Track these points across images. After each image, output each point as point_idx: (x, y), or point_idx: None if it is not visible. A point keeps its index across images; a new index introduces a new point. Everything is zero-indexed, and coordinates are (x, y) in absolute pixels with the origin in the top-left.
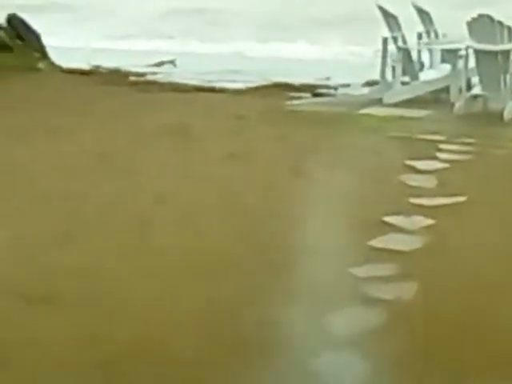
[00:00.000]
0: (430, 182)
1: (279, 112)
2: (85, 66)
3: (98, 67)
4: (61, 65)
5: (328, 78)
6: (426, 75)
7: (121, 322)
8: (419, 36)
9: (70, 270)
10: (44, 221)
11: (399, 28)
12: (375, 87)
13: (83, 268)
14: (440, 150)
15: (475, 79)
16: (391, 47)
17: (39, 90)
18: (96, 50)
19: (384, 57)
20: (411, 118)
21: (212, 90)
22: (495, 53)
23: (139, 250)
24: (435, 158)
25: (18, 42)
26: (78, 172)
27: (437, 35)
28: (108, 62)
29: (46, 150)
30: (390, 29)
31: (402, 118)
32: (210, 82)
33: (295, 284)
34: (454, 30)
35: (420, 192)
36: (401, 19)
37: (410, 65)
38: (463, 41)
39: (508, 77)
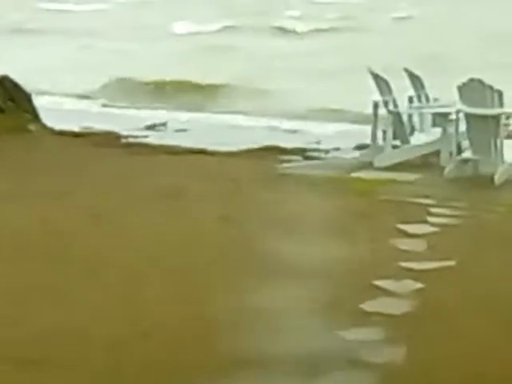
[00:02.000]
0: (420, 246)
1: (271, 175)
2: (76, 128)
3: (89, 129)
4: (52, 126)
5: (318, 142)
6: (416, 139)
7: None
8: (410, 100)
9: (59, 332)
10: (35, 280)
11: (390, 92)
12: (366, 151)
13: (72, 329)
14: (430, 214)
15: (466, 143)
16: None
17: (31, 152)
18: (87, 112)
19: (375, 120)
20: (402, 182)
21: (204, 152)
22: (486, 117)
23: (130, 310)
24: (426, 222)
25: (9, 103)
26: (71, 234)
27: (428, 99)
28: (99, 124)
29: (39, 214)
30: (381, 93)
31: (392, 181)
32: (201, 144)
33: (284, 346)
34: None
35: (410, 256)
36: (392, 83)
37: (400, 128)
38: (454, 105)
39: (498, 141)
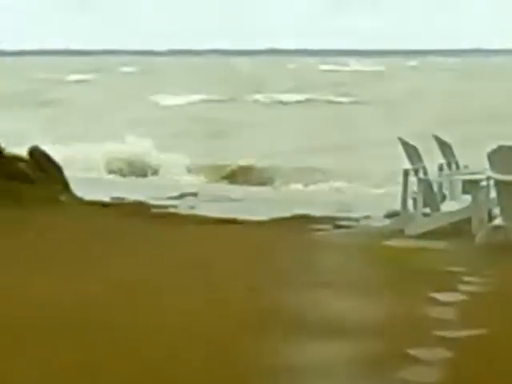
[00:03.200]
0: (452, 314)
1: (301, 244)
2: (106, 198)
3: (118, 199)
4: (82, 197)
5: (349, 210)
6: (447, 206)
7: None
8: (440, 167)
9: None
10: (67, 356)
11: (420, 159)
12: (397, 218)
13: None
14: (462, 282)
15: (496, 210)
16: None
17: (61, 222)
18: (116, 182)
19: (405, 188)
20: (433, 250)
21: (233, 221)
22: None
23: None
24: (457, 290)
25: (40, 173)
26: (102, 306)
27: (458, 166)
28: (128, 194)
29: (70, 286)
30: (411, 160)
31: (424, 249)
32: (231, 213)
33: None
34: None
35: (442, 324)
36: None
37: (431, 196)
38: (484, 172)
39: None
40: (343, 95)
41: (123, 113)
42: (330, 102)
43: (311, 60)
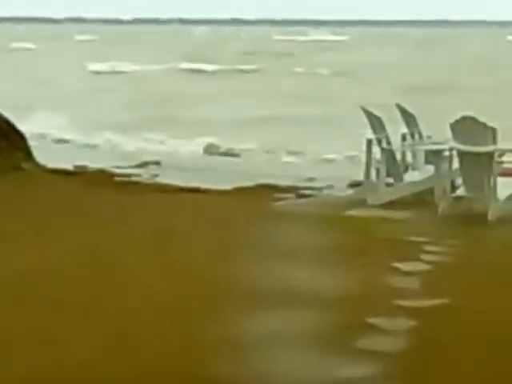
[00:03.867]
0: (413, 284)
1: (264, 213)
2: (69, 167)
3: (82, 167)
4: (45, 165)
5: (312, 180)
6: (410, 177)
7: None
8: (403, 137)
9: (50, 374)
10: (25, 321)
11: (383, 129)
12: (359, 188)
13: (63, 371)
14: (424, 252)
15: (459, 180)
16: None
17: (24, 190)
18: (80, 149)
19: (368, 158)
20: (396, 220)
21: (197, 190)
22: (479, 154)
23: (124, 351)
24: (419, 260)
25: (2, 141)
26: (62, 273)
27: (421, 137)
28: (92, 163)
29: (30, 253)
30: (374, 130)
31: (386, 219)
32: (195, 182)
33: (277, 382)
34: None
35: (404, 293)
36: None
37: (394, 166)
38: (447, 142)
39: (492, 178)
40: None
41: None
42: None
43: (270, 29)
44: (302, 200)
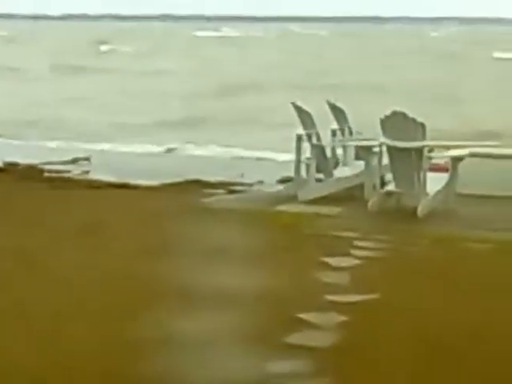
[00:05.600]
0: (343, 279)
1: (194, 209)
2: None
3: (12, 164)
4: None
5: (242, 176)
6: (340, 172)
7: None
8: (333, 133)
9: None
10: None
11: (313, 125)
12: (290, 184)
13: None
14: (354, 247)
15: (389, 176)
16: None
17: None
18: (8, 145)
19: (298, 153)
20: (326, 215)
21: (126, 186)
22: (409, 150)
23: (53, 349)
24: (349, 255)
25: None
26: None
27: (351, 132)
28: (21, 158)
29: None
30: (304, 126)
31: (316, 214)
32: (124, 178)
33: (207, 379)
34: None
35: (334, 289)
36: (315, 116)
37: (324, 162)
38: (377, 138)
39: (421, 173)
40: None
41: None
42: None
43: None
44: (232, 196)
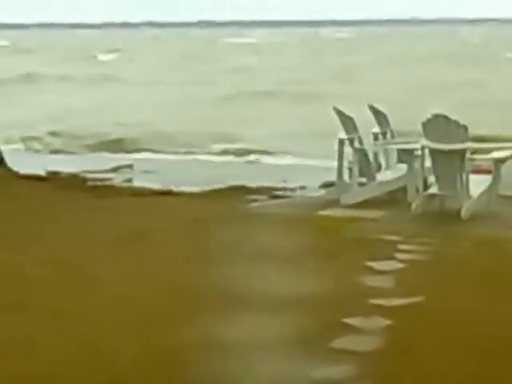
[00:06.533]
0: (388, 283)
1: (237, 215)
2: (41, 172)
3: (54, 173)
4: (17, 171)
5: (285, 181)
6: (382, 176)
7: None
8: (375, 137)
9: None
10: None
11: (355, 129)
12: (332, 188)
13: (36, 379)
14: (398, 251)
15: (432, 178)
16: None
17: None
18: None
19: (340, 158)
20: (369, 219)
21: (169, 193)
22: (451, 152)
23: (97, 358)
24: (394, 259)
25: None
26: (36, 280)
27: (393, 135)
28: (64, 168)
29: (3, 259)
30: (346, 130)
31: (360, 219)
32: (167, 185)
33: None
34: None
35: (379, 293)
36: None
37: (366, 166)
38: (419, 141)
39: (464, 176)
40: None
41: None
42: None
43: None
44: (275, 201)
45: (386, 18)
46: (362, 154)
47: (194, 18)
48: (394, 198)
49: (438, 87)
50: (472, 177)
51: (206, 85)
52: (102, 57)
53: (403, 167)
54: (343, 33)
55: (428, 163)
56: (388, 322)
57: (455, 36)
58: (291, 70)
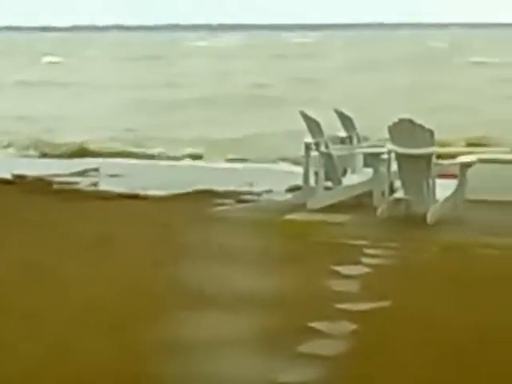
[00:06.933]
0: (354, 287)
1: (203, 219)
2: (7, 176)
3: (20, 176)
4: None
5: (251, 185)
6: (348, 180)
7: None
8: (341, 140)
9: None
10: None
11: (321, 133)
12: (298, 192)
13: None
14: (364, 255)
15: (398, 183)
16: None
17: None
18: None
19: (307, 162)
20: (335, 223)
21: (136, 197)
22: (417, 156)
23: (65, 360)
24: (360, 263)
25: None
26: (2, 283)
27: (359, 139)
28: (30, 171)
29: None
30: (313, 134)
31: (326, 223)
32: (133, 189)
33: None
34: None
35: (345, 297)
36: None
37: (332, 170)
38: (385, 145)
39: (430, 180)
40: None
41: None
42: None
43: None
44: (241, 205)
45: (352, 22)
46: (328, 157)
47: (165, 21)
48: (360, 203)
49: (401, 92)
50: (438, 181)
51: (150, 89)
52: (46, 59)
53: (369, 171)
54: (307, 38)
55: (394, 167)
56: (354, 326)
57: (422, 40)
58: (251, 74)
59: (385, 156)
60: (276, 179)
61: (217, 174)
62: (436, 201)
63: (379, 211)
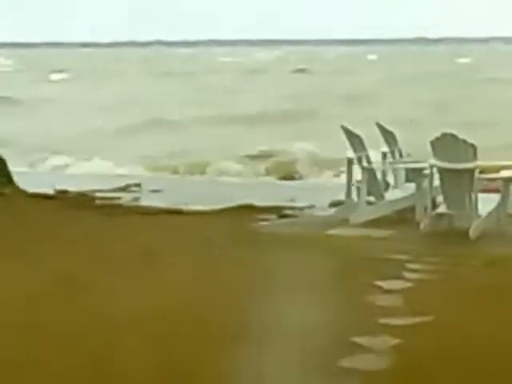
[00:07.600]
0: (396, 302)
1: (245, 234)
2: (49, 191)
3: (62, 192)
4: (26, 189)
5: (293, 200)
6: (391, 195)
7: None
8: (384, 156)
9: None
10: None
11: (363, 148)
12: (341, 207)
13: None
14: (406, 270)
15: (440, 198)
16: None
17: (4, 215)
18: (61, 175)
19: (349, 177)
20: (378, 238)
21: (179, 212)
22: (459, 171)
23: (106, 378)
24: (402, 278)
25: None
26: (42, 298)
27: (401, 154)
28: (73, 186)
29: (10, 277)
30: (355, 149)
31: (368, 238)
32: (176, 204)
33: None
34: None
35: (387, 312)
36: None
37: (374, 184)
38: (427, 160)
39: (473, 195)
40: None
41: None
42: None
43: None
44: (284, 220)
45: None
46: (370, 172)
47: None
48: (402, 218)
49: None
50: (481, 196)
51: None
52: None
53: (411, 186)
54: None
55: (437, 182)
56: (396, 340)
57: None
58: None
59: (427, 171)
60: (317, 194)
61: (257, 189)
62: (478, 216)
63: (421, 226)
